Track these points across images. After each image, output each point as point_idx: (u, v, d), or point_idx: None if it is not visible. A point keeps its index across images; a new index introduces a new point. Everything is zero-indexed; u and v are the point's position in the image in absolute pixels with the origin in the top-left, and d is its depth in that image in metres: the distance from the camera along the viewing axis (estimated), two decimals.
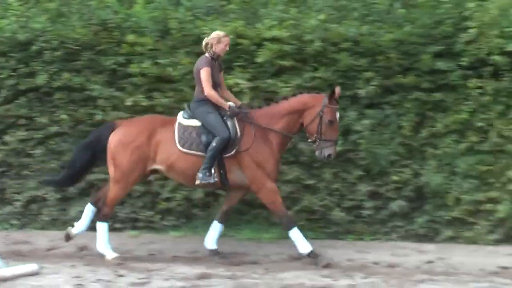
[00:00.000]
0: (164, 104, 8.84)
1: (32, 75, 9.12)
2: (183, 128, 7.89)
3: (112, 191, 7.95)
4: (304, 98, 7.89)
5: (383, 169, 8.64)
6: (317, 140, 7.71)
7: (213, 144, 7.69)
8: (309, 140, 7.86)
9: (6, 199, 9.33)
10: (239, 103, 8.08)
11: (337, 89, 7.76)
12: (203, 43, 8.07)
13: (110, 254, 7.92)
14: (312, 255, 7.72)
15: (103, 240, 7.97)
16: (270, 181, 7.79)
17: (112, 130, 8.07)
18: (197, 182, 7.78)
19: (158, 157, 7.91)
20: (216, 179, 7.75)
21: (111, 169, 7.97)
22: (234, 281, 6.95)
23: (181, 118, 7.97)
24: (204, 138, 7.80)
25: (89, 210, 8.14)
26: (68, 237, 8.09)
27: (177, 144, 7.84)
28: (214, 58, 7.99)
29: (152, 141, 7.89)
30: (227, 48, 8.03)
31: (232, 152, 7.77)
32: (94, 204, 8.15)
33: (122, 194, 8.05)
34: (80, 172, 8.24)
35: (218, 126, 7.77)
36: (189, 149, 7.82)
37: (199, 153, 7.79)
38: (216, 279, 7.08)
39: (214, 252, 8.09)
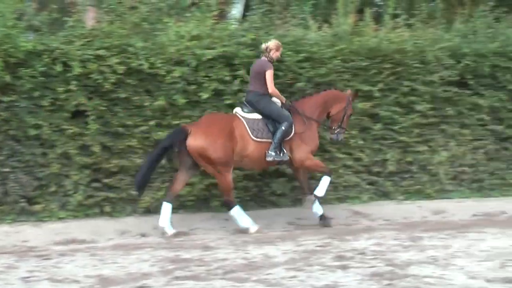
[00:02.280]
0: None
1: None
2: (250, 122, 8.92)
3: (222, 180, 8.77)
4: (334, 92, 9.58)
5: None
6: (337, 127, 9.39)
7: (282, 127, 8.90)
8: (331, 126, 9.44)
9: None
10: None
11: (357, 92, 9.74)
12: (263, 46, 9.11)
13: (253, 227, 8.85)
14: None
15: (244, 218, 8.86)
16: (311, 154, 9.19)
17: (185, 134, 8.68)
18: (270, 159, 8.87)
19: (237, 148, 8.80)
20: (288, 157, 9.03)
21: (208, 168, 8.82)
22: None
23: (243, 113, 9.03)
24: (270, 127, 8.93)
25: (167, 207, 8.71)
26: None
27: (251, 136, 8.87)
28: (270, 62, 9.04)
29: (233, 135, 8.78)
30: (279, 56, 9.24)
31: (291, 136, 9.01)
32: (170, 201, 8.76)
33: (231, 177, 8.83)
34: (149, 176, 8.79)
35: (284, 114, 9.02)
36: (261, 138, 8.89)
37: (269, 140, 8.88)
38: None
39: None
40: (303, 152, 9.11)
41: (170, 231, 8.72)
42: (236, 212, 8.92)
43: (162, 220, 8.75)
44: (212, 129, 8.79)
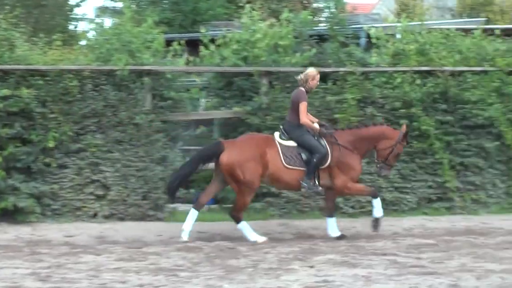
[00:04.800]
0: None
1: None
2: (284, 148, 9.29)
3: (241, 199, 9.21)
4: (384, 129, 9.73)
5: None
6: (381, 162, 9.66)
7: (314, 160, 9.22)
8: (375, 159, 9.81)
9: None
10: (317, 120, 9.55)
11: (407, 129, 9.78)
12: (300, 77, 9.38)
13: (260, 238, 9.20)
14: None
15: (250, 233, 9.23)
16: (351, 182, 9.47)
17: (221, 149, 9.20)
18: (304, 190, 9.39)
19: (268, 171, 9.20)
20: (321, 188, 9.39)
21: (233, 185, 9.25)
22: None
23: (279, 139, 9.37)
24: (304, 156, 9.27)
25: (193, 214, 9.22)
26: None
27: (283, 162, 9.22)
28: (308, 91, 9.35)
29: (264, 159, 9.18)
30: (317, 84, 9.56)
31: (326, 165, 9.32)
32: (198, 209, 9.27)
33: (250, 199, 9.38)
34: (185, 181, 9.63)
35: (316, 145, 9.31)
36: (293, 166, 9.22)
37: (301, 168, 9.23)
38: None
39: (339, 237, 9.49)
40: (341, 180, 9.42)
41: (185, 237, 9.15)
42: (243, 226, 9.32)
43: (186, 225, 9.22)
44: (245, 150, 9.22)
